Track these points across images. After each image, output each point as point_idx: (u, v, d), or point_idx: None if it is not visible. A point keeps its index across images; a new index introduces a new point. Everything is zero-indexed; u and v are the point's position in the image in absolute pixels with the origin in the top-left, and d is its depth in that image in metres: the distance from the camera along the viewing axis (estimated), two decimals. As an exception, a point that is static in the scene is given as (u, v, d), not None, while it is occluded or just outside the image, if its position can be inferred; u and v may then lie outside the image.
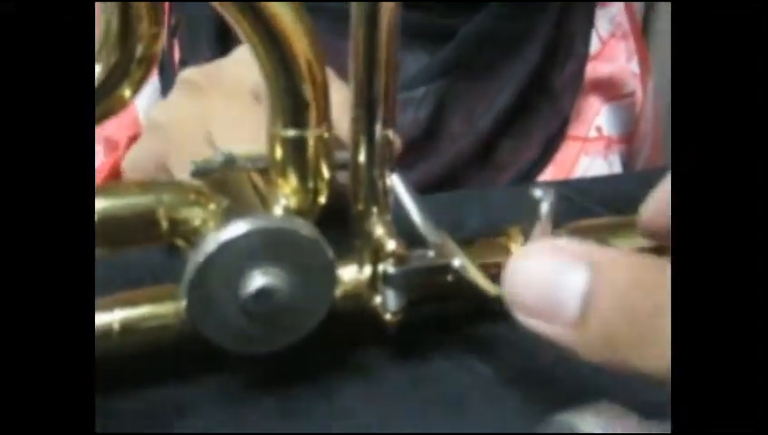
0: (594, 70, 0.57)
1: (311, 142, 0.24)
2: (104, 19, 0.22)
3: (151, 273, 0.25)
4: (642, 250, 0.28)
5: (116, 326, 0.23)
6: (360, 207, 0.25)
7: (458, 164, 0.51)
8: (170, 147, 0.37)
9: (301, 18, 0.22)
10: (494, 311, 0.19)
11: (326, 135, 0.24)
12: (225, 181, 0.25)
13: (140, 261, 0.26)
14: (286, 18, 0.22)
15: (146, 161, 0.38)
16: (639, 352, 0.17)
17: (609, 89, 0.58)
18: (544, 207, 0.22)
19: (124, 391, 0.24)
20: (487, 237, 0.28)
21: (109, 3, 0.22)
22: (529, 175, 0.54)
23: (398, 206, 0.26)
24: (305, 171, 0.24)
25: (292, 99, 0.23)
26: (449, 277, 0.25)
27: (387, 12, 0.22)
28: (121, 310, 0.23)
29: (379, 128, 0.24)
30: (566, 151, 0.56)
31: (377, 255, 0.24)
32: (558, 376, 0.25)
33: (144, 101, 0.49)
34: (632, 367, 0.18)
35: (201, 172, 0.26)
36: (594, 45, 0.58)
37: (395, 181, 0.26)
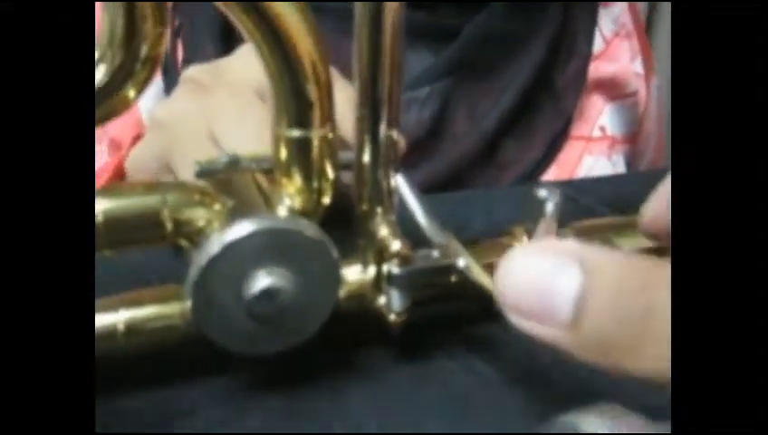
0: (597, 69, 0.57)
1: (315, 142, 0.24)
2: (109, 19, 0.22)
3: (156, 273, 0.25)
4: (645, 250, 0.28)
5: (121, 327, 0.23)
6: (365, 207, 0.25)
7: (462, 164, 0.51)
8: (174, 145, 0.37)
9: (305, 18, 0.22)
10: (497, 311, 0.19)
11: (330, 135, 0.24)
12: (229, 182, 0.25)
13: (145, 262, 0.26)
14: (290, 18, 0.22)
15: (149, 160, 0.38)
16: (633, 353, 0.17)
17: (613, 88, 0.58)
18: (549, 207, 0.22)
19: (129, 391, 0.24)
20: (492, 238, 0.28)
21: (113, 3, 0.22)
22: (532, 175, 0.54)
23: (403, 206, 0.26)
24: (310, 172, 0.24)
25: (296, 99, 0.23)
26: (453, 278, 0.25)
27: (391, 12, 0.22)
28: (126, 310, 0.23)
29: (383, 128, 0.24)
30: (569, 151, 0.56)
31: (381, 255, 0.24)
32: (561, 377, 0.25)
33: (148, 101, 0.49)
34: (626, 369, 0.18)
35: (205, 173, 0.26)
36: (597, 45, 0.58)
37: (399, 181, 0.26)
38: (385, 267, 0.24)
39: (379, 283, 0.25)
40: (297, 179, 0.24)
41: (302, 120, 0.23)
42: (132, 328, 0.23)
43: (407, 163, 0.26)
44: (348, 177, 0.25)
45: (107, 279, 0.22)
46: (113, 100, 0.22)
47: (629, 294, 0.17)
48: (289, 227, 0.22)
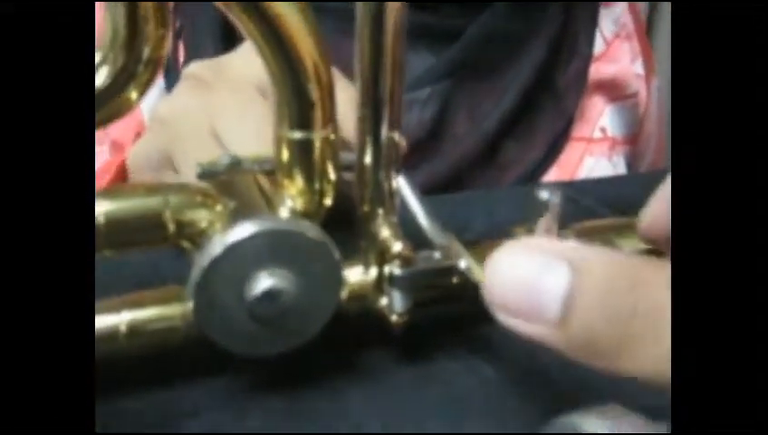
0: (598, 70, 0.57)
1: (317, 144, 0.24)
2: (111, 21, 0.22)
3: (158, 275, 0.25)
4: (645, 251, 0.28)
5: (123, 328, 0.23)
6: (366, 208, 0.25)
7: (463, 165, 0.51)
8: (176, 141, 0.37)
9: (306, 18, 0.22)
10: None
11: (332, 137, 0.24)
12: (231, 183, 0.25)
13: (147, 263, 0.27)
14: (292, 19, 0.22)
15: (151, 156, 0.38)
16: (621, 352, 0.17)
17: (613, 89, 0.58)
18: (550, 208, 0.22)
19: (130, 393, 0.24)
20: (493, 239, 0.28)
21: (115, 5, 0.22)
22: (533, 175, 0.54)
23: (404, 207, 0.26)
24: (311, 173, 0.24)
25: (297, 100, 0.23)
26: (455, 279, 0.25)
27: (392, 12, 0.22)
28: (128, 312, 0.23)
29: (384, 129, 0.24)
30: (570, 152, 0.56)
31: (383, 256, 0.24)
32: (562, 378, 0.25)
33: (149, 102, 0.49)
34: (615, 367, 0.18)
35: (207, 174, 0.26)
36: (598, 46, 0.58)
37: (401, 183, 0.26)
38: (386, 269, 0.24)
39: (381, 284, 0.25)
40: (299, 181, 0.24)
41: (303, 121, 0.23)
42: (134, 329, 0.23)
43: (408, 164, 0.26)
44: (349, 178, 0.25)
45: (109, 280, 0.22)
46: (116, 102, 0.22)
47: (618, 294, 0.17)
48: (291, 229, 0.22)
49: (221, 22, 0.51)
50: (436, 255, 0.25)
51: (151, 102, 0.49)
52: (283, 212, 0.24)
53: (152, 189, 0.23)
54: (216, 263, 0.21)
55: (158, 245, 0.23)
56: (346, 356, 0.26)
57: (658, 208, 0.24)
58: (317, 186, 0.24)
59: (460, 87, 0.51)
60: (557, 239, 0.19)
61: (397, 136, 0.24)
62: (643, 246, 0.27)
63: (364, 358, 0.26)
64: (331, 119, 0.24)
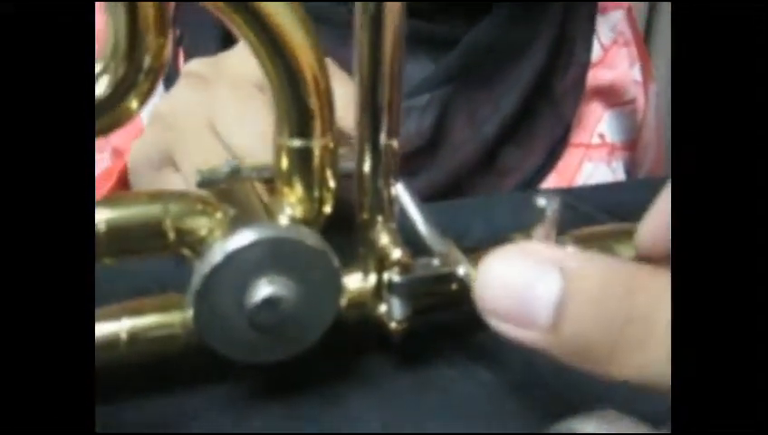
0: (596, 77, 0.57)
1: (316, 152, 0.24)
2: (112, 31, 0.22)
3: (158, 282, 0.25)
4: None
5: (123, 335, 0.23)
6: (365, 215, 0.25)
7: (462, 171, 0.51)
8: (176, 138, 0.37)
9: (306, 28, 0.23)
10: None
11: (331, 145, 0.24)
12: (230, 191, 0.25)
13: (147, 270, 0.27)
14: (291, 29, 0.22)
15: (151, 153, 0.38)
16: (614, 358, 0.17)
17: (611, 95, 0.59)
18: (548, 215, 0.22)
19: (131, 400, 0.24)
20: (492, 245, 0.28)
21: (116, 15, 0.22)
22: (532, 182, 0.54)
23: (403, 214, 0.26)
24: (311, 181, 0.24)
25: (297, 109, 0.23)
26: (454, 285, 0.25)
27: (391, 20, 0.23)
28: (128, 319, 0.23)
29: (383, 137, 0.24)
30: (569, 158, 0.56)
31: (382, 263, 0.25)
32: (561, 384, 0.25)
33: (149, 109, 0.49)
34: (608, 371, 0.18)
35: (207, 182, 0.26)
36: (596, 53, 0.58)
37: (399, 190, 0.26)
38: (386, 275, 0.25)
39: (380, 291, 0.25)
40: (298, 189, 0.24)
41: (303, 129, 0.24)
42: (134, 337, 0.23)
43: (407, 171, 0.26)
44: (349, 185, 0.25)
45: (109, 288, 0.23)
46: (116, 111, 0.22)
47: (612, 300, 0.17)
48: (290, 236, 0.22)
49: (221, 29, 0.51)
50: (435, 261, 0.25)
51: (151, 108, 0.49)
52: (283, 220, 0.24)
53: (152, 197, 0.23)
54: (216, 270, 0.22)
55: (159, 252, 0.23)
56: (345, 363, 0.26)
57: (655, 224, 0.24)
58: (316, 193, 0.25)
59: (459, 94, 0.52)
60: (553, 245, 0.19)
61: (395, 144, 0.25)
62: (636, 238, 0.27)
63: (363, 364, 0.26)
64: (330, 127, 0.24)
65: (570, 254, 0.18)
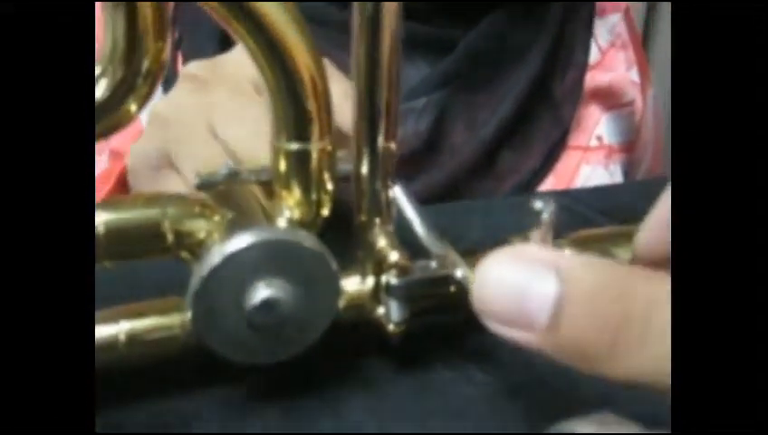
0: (593, 79, 0.58)
1: (314, 155, 0.24)
2: (110, 34, 0.22)
3: (157, 285, 0.25)
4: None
5: (122, 337, 0.23)
6: (363, 218, 0.25)
7: (460, 174, 0.52)
8: (175, 139, 0.37)
9: (303, 33, 0.23)
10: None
11: (329, 148, 0.24)
12: (229, 194, 0.26)
13: (146, 273, 0.27)
14: (289, 33, 0.22)
15: (150, 155, 0.38)
16: (610, 359, 0.18)
17: (609, 98, 0.59)
18: (544, 218, 0.22)
19: (129, 402, 0.24)
20: (489, 248, 0.28)
21: (114, 18, 0.22)
22: (530, 184, 0.54)
23: (401, 217, 0.26)
24: (309, 184, 0.24)
25: (295, 113, 0.23)
26: (451, 288, 0.25)
27: (388, 24, 0.23)
28: (127, 321, 0.23)
29: (381, 140, 0.24)
30: (567, 161, 0.56)
31: (379, 266, 0.25)
32: (559, 386, 0.25)
33: (148, 110, 0.49)
34: (603, 373, 0.18)
35: (206, 185, 0.26)
36: (594, 55, 0.58)
37: (397, 192, 0.26)
38: (383, 278, 0.25)
39: (378, 293, 0.25)
40: (296, 191, 0.25)
41: (300, 133, 0.24)
42: (133, 339, 0.23)
43: (404, 174, 0.26)
44: (347, 188, 0.26)
45: (108, 290, 0.23)
46: (115, 114, 0.22)
47: (607, 302, 0.17)
48: (288, 239, 0.22)
49: (219, 32, 0.51)
50: (433, 264, 0.25)
51: (150, 109, 0.49)
52: (281, 222, 0.25)
53: (151, 200, 0.23)
54: (215, 273, 0.22)
55: (158, 255, 0.23)
56: (344, 365, 0.26)
57: (654, 229, 0.24)
58: (314, 196, 0.25)
59: (456, 97, 0.52)
60: (550, 248, 0.19)
61: (393, 146, 0.25)
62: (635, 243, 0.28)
63: (361, 366, 0.26)
64: (327, 130, 0.24)
65: (566, 256, 0.18)
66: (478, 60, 0.52)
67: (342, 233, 0.25)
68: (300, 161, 0.24)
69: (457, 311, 0.26)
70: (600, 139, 0.58)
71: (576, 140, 0.57)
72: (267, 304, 0.22)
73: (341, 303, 0.24)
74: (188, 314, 0.22)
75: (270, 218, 0.24)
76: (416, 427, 0.24)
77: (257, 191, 0.26)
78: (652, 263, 0.24)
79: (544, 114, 0.54)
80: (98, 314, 0.23)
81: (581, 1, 0.57)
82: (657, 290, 0.18)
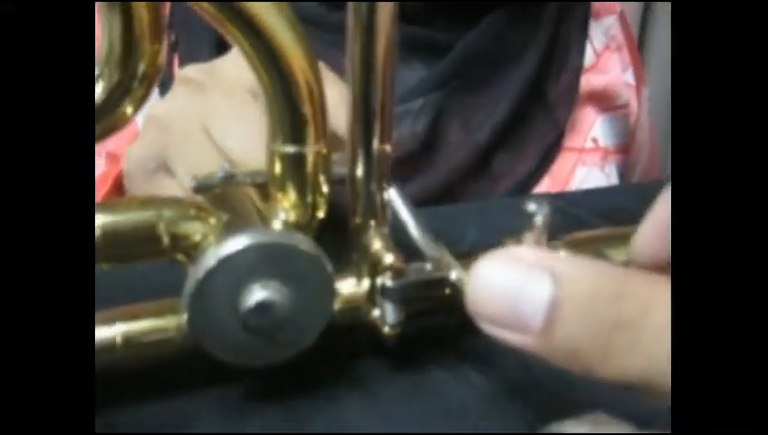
0: (588, 82, 0.58)
1: (309, 158, 0.24)
2: (106, 37, 0.22)
3: (153, 287, 0.25)
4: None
5: (118, 340, 0.23)
6: (358, 220, 0.25)
7: (455, 176, 0.52)
8: (171, 143, 0.37)
9: (299, 36, 0.23)
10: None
11: (324, 151, 0.24)
12: (225, 196, 0.26)
13: (142, 275, 0.27)
14: (284, 36, 0.22)
15: (146, 159, 0.39)
16: (604, 361, 0.18)
17: (604, 100, 0.59)
18: (538, 220, 0.22)
19: (126, 404, 0.24)
20: (484, 250, 0.28)
21: (111, 21, 0.22)
22: (525, 187, 0.54)
23: (396, 219, 0.26)
24: (304, 186, 0.25)
25: (290, 116, 0.23)
26: (446, 290, 0.25)
27: (383, 23, 0.23)
28: (123, 324, 0.23)
29: (376, 142, 0.24)
30: (562, 162, 0.56)
31: (375, 268, 0.25)
32: (554, 387, 0.25)
33: (145, 113, 0.49)
34: (598, 375, 0.18)
35: (202, 187, 0.26)
36: (589, 58, 0.58)
37: (392, 195, 0.26)
38: (379, 280, 0.25)
39: (373, 295, 0.25)
40: (292, 194, 0.25)
41: (296, 136, 0.24)
42: (129, 341, 0.23)
43: (400, 176, 0.26)
44: (342, 190, 0.26)
45: (104, 293, 0.23)
46: (111, 117, 0.22)
47: (601, 304, 0.18)
48: (284, 241, 0.22)
49: (215, 35, 0.51)
50: (428, 266, 0.25)
51: (146, 113, 0.49)
52: (276, 225, 0.25)
53: (146, 203, 0.23)
54: (210, 275, 0.22)
55: (153, 258, 0.23)
56: (339, 367, 0.26)
57: (652, 232, 0.24)
58: (309, 199, 0.25)
59: (452, 98, 0.52)
60: (544, 250, 0.19)
61: (388, 148, 0.25)
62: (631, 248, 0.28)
63: (357, 368, 0.26)
64: (323, 133, 0.24)
65: (560, 258, 0.19)
66: (474, 61, 0.53)
67: (338, 235, 0.25)
68: (295, 164, 0.24)
69: (452, 313, 0.26)
70: (595, 141, 0.58)
71: (571, 141, 0.57)
72: (263, 307, 0.22)
73: (337, 305, 0.24)
74: (184, 317, 0.22)
75: (265, 221, 0.25)
76: (411, 427, 0.24)
77: (253, 194, 0.26)
78: (650, 266, 0.24)
79: (539, 116, 0.55)
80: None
81: (577, 0, 0.57)
82: (651, 293, 0.18)
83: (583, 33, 0.58)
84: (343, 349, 0.26)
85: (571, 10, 0.57)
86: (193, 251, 0.23)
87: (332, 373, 0.26)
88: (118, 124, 0.23)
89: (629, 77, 0.61)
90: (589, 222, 0.37)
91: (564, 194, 0.47)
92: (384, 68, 0.23)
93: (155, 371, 0.24)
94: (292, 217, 0.25)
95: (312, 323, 0.24)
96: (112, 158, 0.52)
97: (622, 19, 0.63)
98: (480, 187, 0.53)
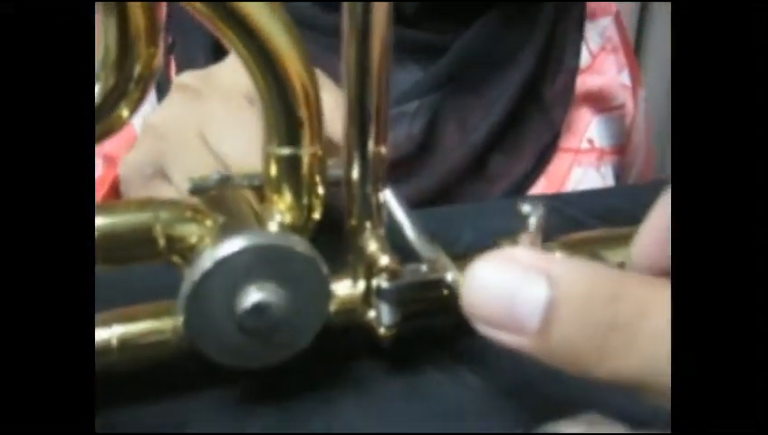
0: (584, 83, 0.58)
1: (305, 160, 0.24)
2: (102, 40, 0.22)
3: (149, 289, 0.25)
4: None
5: (114, 342, 0.23)
6: (354, 222, 0.25)
7: (451, 178, 0.52)
8: (167, 150, 0.37)
9: (294, 39, 0.23)
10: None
11: (320, 153, 0.24)
12: (221, 198, 0.26)
13: (138, 277, 0.27)
14: (280, 39, 0.23)
15: (143, 166, 0.39)
16: (598, 363, 0.18)
17: (600, 101, 0.59)
18: (532, 222, 0.22)
19: (123, 406, 0.24)
20: (480, 251, 0.28)
21: (107, 24, 0.22)
22: (521, 188, 0.54)
23: (392, 221, 0.26)
24: (300, 188, 0.25)
25: (286, 118, 0.23)
26: (442, 291, 0.25)
27: (378, 24, 0.23)
28: (120, 326, 0.23)
29: (371, 144, 0.24)
30: (558, 163, 0.56)
31: (370, 270, 0.25)
32: (548, 387, 0.25)
33: (141, 119, 0.50)
34: (594, 375, 0.18)
35: (198, 189, 0.26)
36: (584, 59, 0.58)
37: (388, 196, 0.26)
38: (374, 282, 0.25)
39: (369, 297, 0.25)
40: (287, 196, 0.25)
41: (291, 138, 0.24)
42: (125, 343, 0.23)
43: (396, 177, 0.26)
44: (337, 192, 0.26)
45: (101, 295, 0.23)
46: (107, 119, 0.22)
47: (596, 306, 0.18)
48: (279, 243, 0.23)
49: (212, 38, 0.51)
50: (424, 268, 0.25)
51: (143, 118, 0.49)
52: (272, 227, 0.25)
53: (143, 205, 0.23)
54: (206, 277, 0.22)
55: (149, 260, 0.23)
56: (335, 368, 0.26)
57: (650, 237, 0.24)
58: (305, 201, 0.25)
59: (448, 100, 0.52)
60: (539, 251, 0.19)
61: (383, 150, 0.25)
62: (630, 257, 0.28)
63: (353, 369, 0.26)
64: (318, 135, 0.24)
65: (556, 260, 0.19)
66: (470, 63, 0.53)
67: (333, 237, 0.25)
68: (291, 166, 0.24)
69: (448, 314, 0.26)
70: (591, 141, 0.58)
71: (567, 142, 0.57)
72: (259, 308, 0.22)
73: (332, 306, 0.25)
74: (180, 319, 0.22)
75: (261, 223, 0.25)
76: (406, 428, 0.24)
77: (249, 195, 0.26)
78: (648, 273, 0.24)
79: (535, 118, 0.55)
80: (90, 319, 0.23)
81: (572, 0, 0.57)
82: (647, 295, 0.18)
83: (579, 34, 0.58)
84: (339, 350, 0.26)
85: (567, 11, 0.57)
86: (189, 253, 0.23)
87: (328, 375, 0.26)
88: (114, 127, 0.23)
89: (625, 78, 0.61)
90: (585, 223, 0.37)
91: (561, 195, 0.48)
92: (379, 69, 0.23)
93: (152, 372, 0.24)
94: (288, 218, 0.25)
95: (308, 324, 0.24)
96: (109, 160, 0.52)
97: (618, 20, 0.63)
98: (476, 188, 0.53)
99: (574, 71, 0.57)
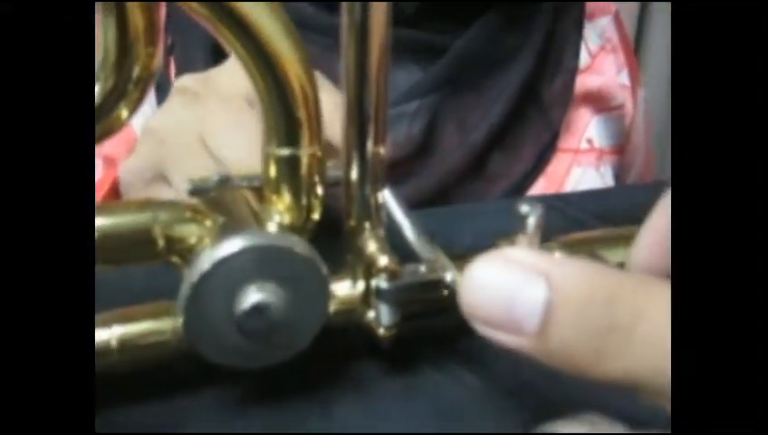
0: (583, 83, 0.58)
1: (304, 160, 0.24)
2: (102, 41, 0.22)
3: (148, 290, 0.25)
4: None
5: (114, 343, 0.23)
6: (353, 223, 0.25)
7: (450, 178, 0.52)
8: (167, 153, 0.37)
9: (293, 39, 0.23)
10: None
11: (319, 153, 0.25)
12: (220, 199, 0.26)
13: (137, 278, 0.27)
14: (279, 40, 0.23)
15: (143, 169, 0.39)
16: (597, 364, 0.18)
17: (599, 101, 0.59)
18: (531, 222, 0.22)
19: (122, 407, 0.24)
20: (479, 252, 0.28)
21: (106, 25, 0.22)
22: (521, 188, 0.54)
23: (391, 221, 0.26)
24: (299, 189, 0.25)
25: (285, 119, 0.23)
26: (441, 292, 0.25)
27: (377, 24, 0.23)
28: (119, 326, 0.23)
29: (370, 144, 0.24)
30: (558, 163, 0.56)
31: (369, 270, 0.25)
32: (548, 388, 0.25)
33: (141, 119, 0.50)
34: (592, 376, 0.18)
35: (197, 191, 0.26)
36: (583, 59, 0.58)
37: (387, 197, 0.26)
38: (373, 282, 0.25)
39: (368, 297, 0.25)
40: (286, 197, 0.25)
41: (291, 139, 0.24)
42: (125, 344, 0.23)
43: (395, 178, 0.26)
44: (337, 193, 0.26)
45: (100, 295, 0.23)
46: (107, 120, 0.22)
47: (595, 307, 0.18)
48: (279, 244, 0.23)
49: (211, 38, 0.51)
50: (423, 268, 0.25)
51: (142, 119, 0.49)
52: (272, 227, 0.25)
53: (142, 206, 0.23)
54: (206, 278, 0.22)
55: (149, 260, 0.23)
56: (334, 368, 0.26)
57: (650, 240, 0.24)
58: (304, 201, 0.25)
59: (448, 101, 0.52)
60: (537, 252, 0.19)
61: (382, 150, 0.25)
62: (629, 257, 0.28)
63: (352, 370, 0.26)
64: (317, 136, 0.24)
65: (555, 261, 0.19)
66: (469, 63, 0.53)
67: (332, 237, 0.25)
68: (290, 167, 0.24)
69: (447, 314, 0.26)
70: (590, 142, 0.58)
71: (566, 142, 0.57)
72: (258, 309, 0.22)
73: (332, 307, 0.25)
74: (180, 319, 0.22)
75: (261, 223, 0.25)
76: (406, 428, 0.24)
77: (249, 196, 0.26)
78: (648, 272, 0.24)
79: (535, 118, 0.55)
80: (90, 320, 0.23)
81: (571, 0, 0.57)
82: (645, 297, 0.18)
83: (578, 34, 0.58)
84: (338, 351, 0.26)
85: (565, 11, 0.57)
86: (188, 254, 0.23)
87: (328, 375, 0.26)
88: (113, 128, 0.23)
89: (624, 78, 0.61)
90: (585, 223, 0.37)
91: (561, 195, 0.48)
92: (378, 70, 0.23)
93: (152, 372, 0.24)
94: (287, 219, 0.25)
95: (308, 325, 0.24)
96: (109, 162, 0.52)
97: (617, 20, 0.63)
98: (475, 188, 0.53)
99: (573, 71, 0.57)
